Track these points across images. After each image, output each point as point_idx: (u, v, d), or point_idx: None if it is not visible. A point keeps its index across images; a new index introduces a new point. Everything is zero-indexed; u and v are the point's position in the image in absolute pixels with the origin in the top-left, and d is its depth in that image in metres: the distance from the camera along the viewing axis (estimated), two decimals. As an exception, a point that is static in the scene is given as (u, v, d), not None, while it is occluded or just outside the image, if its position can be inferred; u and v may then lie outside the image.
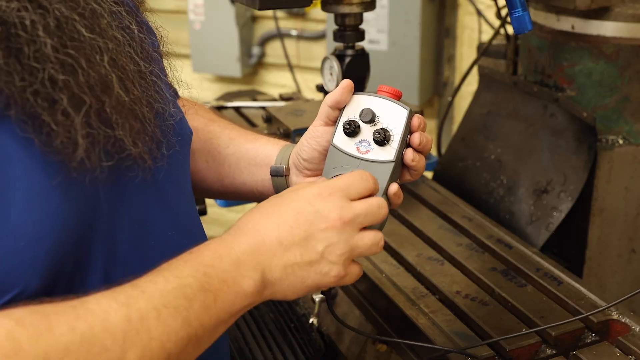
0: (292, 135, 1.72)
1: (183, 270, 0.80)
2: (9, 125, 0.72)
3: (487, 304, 1.26)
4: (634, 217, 1.63)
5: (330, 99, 1.00)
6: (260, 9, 1.40)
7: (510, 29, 1.81)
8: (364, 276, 1.38)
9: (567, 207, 1.59)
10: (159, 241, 0.87)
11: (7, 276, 0.71)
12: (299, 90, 3.26)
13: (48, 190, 0.74)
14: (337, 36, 1.56)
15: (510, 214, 1.69)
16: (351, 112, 1.00)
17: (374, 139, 0.97)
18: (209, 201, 1.75)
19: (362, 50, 1.60)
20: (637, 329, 1.17)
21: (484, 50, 1.90)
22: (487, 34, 2.62)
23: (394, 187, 0.97)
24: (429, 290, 1.33)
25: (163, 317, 0.75)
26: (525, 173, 1.70)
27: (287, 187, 1.06)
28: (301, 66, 3.39)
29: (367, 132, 0.98)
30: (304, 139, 1.06)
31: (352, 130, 0.98)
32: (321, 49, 3.29)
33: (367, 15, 1.67)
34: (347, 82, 0.99)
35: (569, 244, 1.66)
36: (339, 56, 1.59)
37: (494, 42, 1.91)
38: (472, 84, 2.29)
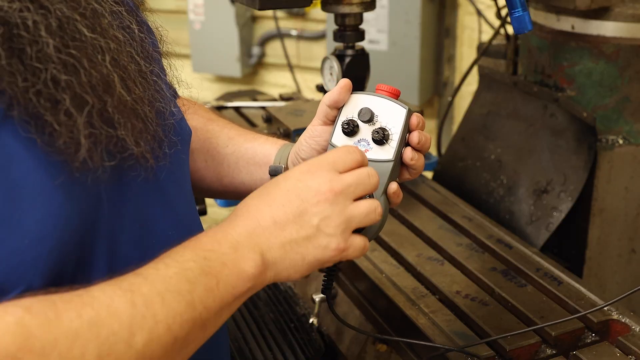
0: (292, 135, 1.72)
1: (183, 256, 0.81)
2: (12, 125, 0.72)
3: (487, 304, 1.26)
4: (634, 217, 1.63)
5: (328, 98, 1.00)
6: (260, 9, 1.40)
7: (510, 29, 1.81)
8: (364, 276, 1.38)
9: (567, 207, 1.59)
10: (160, 240, 0.87)
11: (10, 274, 0.71)
12: (299, 90, 3.26)
13: (50, 189, 0.74)
14: (337, 36, 1.56)
15: (510, 214, 1.69)
16: (350, 112, 1.00)
17: (372, 138, 0.97)
18: (209, 201, 1.75)
19: (362, 50, 1.60)
20: (637, 329, 1.17)
21: (484, 50, 1.90)
22: (487, 34, 2.62)
23: (394, 186, 0.97)
24: (429, 290, 1.33)
25: (167, 301, 0.76)
26: (525, 173, 1.70)
27: None
28: (301, 66, 3.39)
29: (365, 131, 0.98)
30: (302, 139, 1.06)
31: (350, 129, 0.98)
32: (321, 49, 3.29)
33: (367, 15, 1.67)
34: (345, 82, 0.99)
35: (569, 244, 1.66)
36: (339, 56, 1.59)
37: (494, 42, 1.91)
38: (472, 84, 2.29)
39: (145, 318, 0.74)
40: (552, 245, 1.63)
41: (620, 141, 1.61)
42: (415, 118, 0.98)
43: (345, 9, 1.50)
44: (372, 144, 0.98)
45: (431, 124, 3.11)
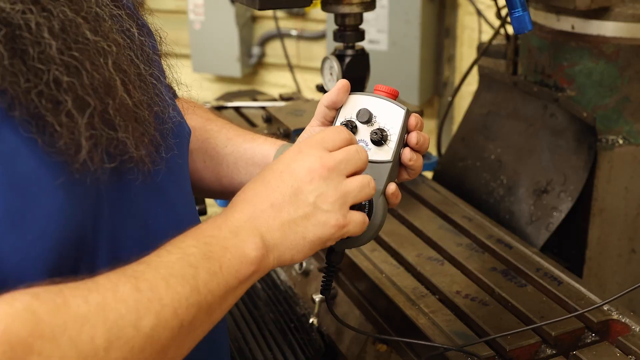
0: (292, 135, 1.72)
1: (184, 242, 0.82)
2: (14, 124, 0.73)
3: (487, 304, 1.26)
4: (634, 217, 1.63)
5: (326, 99, 1.00)
6: (260, 9, 1.40)
7: (510, 29, 1.81)
8: (364, 276, 1.38)
9: (567, 207, 1.59)
10: (161, 241, 0.88)
11: (13, 270, 0.71)
12: (299, 90, 3.26)
13: (52, 188, 0.74)
14: (337, 36, 1.56)
15: (510, 214, 1.69)
16: (348, 113, 1.00)
17: (371, 139, 0.97)
18: (209, 201, 1.75)
19: (362, 50, 1.60)
20: (637, 329, 1.17)
21: (484, 50, 1.90)
22: (487, 34, 2.62)
23: (392, 187, 0.97)
24: (429, 290, 1.33)
25: (172, 285, 0.77)
26: (525, 173, 1.70)
27: None
28: (301, 66, 3.39)
29: (364, 132, 0.98)
30: (300, 139, 1.06)
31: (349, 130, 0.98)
32: (321, 49, 3.29)
33: (367, 15, 1.67)
34: (344, 82, 0.99)
35: (569, 244, 1.66)
36: (339, 56, 1.59)
37: (494, 42, 1.91)
38: (472, 84, 2.29)
39: (152, 302, 0.74)
40: (552, 245, 1.63)
41: (620, 141, 1.61)
42: (414, 119, 0.98)
43: (345, 9, 1.50)
44: (371, 145, 0.98)
45: (431, 124, 3.11)
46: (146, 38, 0.93)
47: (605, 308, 1.21)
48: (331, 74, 1.60)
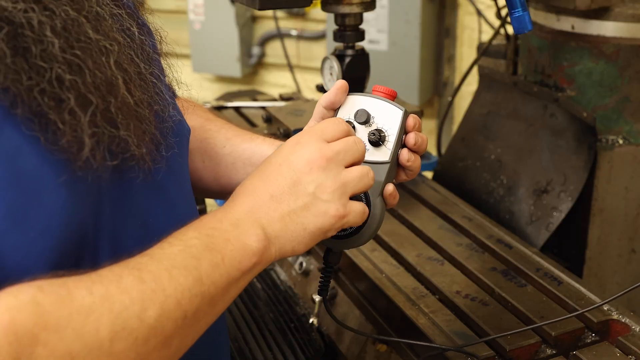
0: (292, 135, 1.72)
1: (186, 234, 0.83)
2: (16, 122, 0.73)
3: (487, 304, 1.26)
4: (634, 217, 1.63)
5: (324, 99, 1.00)
6: (260, 9, 1.40)
7: (510, 29, 1.81)
8: (364, 276, 1.38)
9: (567, 207, 1.59)
10: (162, 239, 0.88)
11: (16, 267, 0.71)
12: (299, 90, 3.26)
13: (54, 186, 0.75)
14: (337, 36, 1.56)
15: (510, 214, 1.69)
16: (346, 113, 1.00)
17: (369, 140, 0.97)
18: (209, 201, 1.75)
19: (362, 50, 1.60)
20: (637, 329, 1.17)
21: (484, 50, 1.90)
22: (487, 34, 2.62)
23: (390, 188, 0.97)
24: (429, 290, 1.33)
25: (175, 276, 0.77)
26: (525, 173, 1.70)
27: None
28: (301, 66, 3.39)
29: (362, 132, 0.98)
30: None
31: None
32: (321, 49, 3.29)
33: (367, 15, 1.67)
34: (342, 83, 1.00)
35: (569, 244, 1.66)
36: (339, 56, 1.59)
37: (494, 42, 1.91)
38: (472, 84, 2.29)
39: (155, 293, 0.75)
40: (552, 245, 1.63)
41: (620, 141, 1.61)
42: (412, 119, 0.99)
43: (345, 9, 1.50)
44: (369, 146, 0.98)
45: (431, 124, 3.11)
46: (146, 37, 0.94)
47: (605, 308, 1.21)
48: (331, 74, 1.60)
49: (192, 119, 1.17)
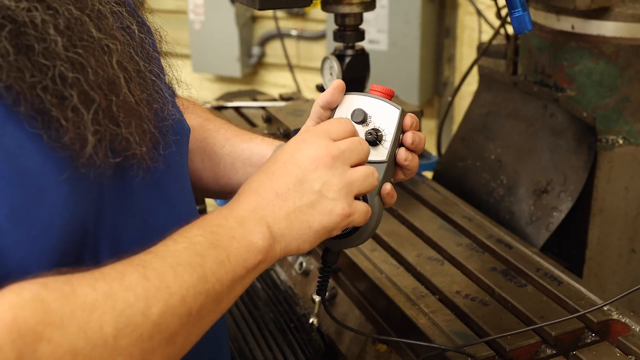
0: (291, 135, 1.72)
1: (191, 232, 0.82)
2: (19, 119, 0.73)
3: (487, 304, 1.26)
4: (634, 217, 1.63)
5: (321, 99, 1.01)
6: (260, 9, 1.40)
7: (510, 29, 1.81)
8: (364, 276, 1.38)
9: (567, 207, 1.59)
10: (162, 238, 0.88)
11: (18, 265, 0.72)
12: (299, 90, 3.26)
13: (56, 183, 0.75)
14: (337, 36, 1.56)
15: (510, 214, 1.69)
16: (343, 113, 1.00)
17: (366, 139, 0.97)
18: (209, 201, 1.75)
19: (362, 50, 1.60)
20: (637, 329, 1.17)
21: (484, 50, 1.90)
22: (487, 34, 2.62)
23: (387, 187, 0.98)
24: (429, 290, 1.33)
25: (179, 273, 0.77)
26: (525, 173, 1.70)
27: None
28: (301, 66, 3.39)
29: (359, 132, 0.98)
30: None
31: None
32: (321, 49, 3.29)
33: (367, 15, 1.67)
34: (338, 82, 1.00)
35: (569, 244, 1.66)
36: (339, 56, 1.59)
37: (494, 42, 1.91)
38: (472, 84, 2.29)
39: (159, 290, 0.75)
40: (552, 245, 1.63)
41: (620, 141, 1.61)
42: (409, 118, 0.98)
43: (345, 9, 1.50)
44: None
45: (431, 124, 3.11)
46: (146, 35, 0.94)
47: (605, 308, 1.21)
48: (331, 74, 1.60)
49: (192, 119, 1.17)
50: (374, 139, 0.97)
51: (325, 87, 1.65)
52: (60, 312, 0.68)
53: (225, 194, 1.21)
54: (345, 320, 1.35)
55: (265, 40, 3.45)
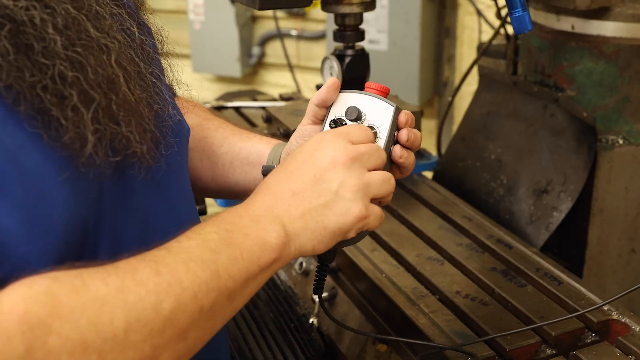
0: (291, 135, 1.72)
1: (205, 228, 0.83)
2: (19, 119, 0.73)
3: (487, 304, 1.26)
4: (634, 217, 1.63)
5: (316, 97, 1.01)
6: (260, 9, 1.40)
7: (510, 29, 1.81)
8: (364, 276, 1.38)
9: (567, 207, 1.59)
10: (161, 238, 0.88)
11: (21, 261, 0.72)
12: (299, 90, 3.26)
13: (56, 184, 0.75)
14: (337, 36, 1.56)
15: (510, 214, 1.69)
16: (338, 111, 1.00)
17: None
18: (209, 201, 1.75)
19: (362, 50, 1.60)
20: (637, 329, 1.17)
21: (484, 50, 1.90)
22: (487, 34, 2.62)
23: None
24: (429, 290, 1.33)
25: (192, 269, 0.77)
26: (525, 173, 1.70)
27: None
28: (301, 66, 3.39)
29: None
30: (293, 138, 1.07)
31: None
32: (321, 49, 3.29)
33: (367, 15, 1.67)
34: (333, 80, 1.00)
35: (569, 244, 1.66)
36: (339, 56, 1.59)
37: (494, 42, 1.91)
38: (472, 84, 2.29)
39: (172, 285, 0.75)
40: (552, 245, 1.63)
41: (620, 141, 1.61)
42: (404, 115, 0.98)
43: (345, 9, 1.50)
44: None
45: (431, 124, 3.11)
46: (146, 37, 0.94)
47: (605, 308, 1.21)
48: (331, 74, 1.60)
49: (191, 118, 1.17)
50: None
51: (325, 87, 1.65)
52: (71, 305, 0.68)
53: (224, 193, 1.21)
54: (345, 320, 1.35)
55: (265, 40, 3.45)
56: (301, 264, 1.54)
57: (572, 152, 1.61)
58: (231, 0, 3.24)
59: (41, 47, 0.74)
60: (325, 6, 1.52)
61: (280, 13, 3.32)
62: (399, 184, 1.01)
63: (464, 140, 1.92)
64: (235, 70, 3.42)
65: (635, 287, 1.09)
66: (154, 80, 0.92)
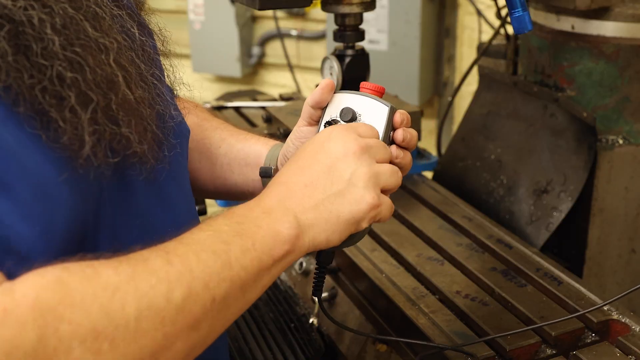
0: (291, 135, 1.72)
1: (217, 221, 0.83)
2: (19, 120, 0.73)
3: (487, 304, 1.26)
4: (634, 217, 1.63)
5: (311, 98, 1.01)
6: (260, 9, 1.40)
7: (510, 29, 1.81)
8: (364, 276, 1.38)
9: (567, 207, 1.59)
10: (161, 239, 0.88)
11: (23, 260, 0.72)
12: (299, 90, 3.26)
13: (56, 184, 0.75)
14: (337, 36, 1.56)
15: (510, 214, 1.69)
16: (333, 112, 1.00)
17: None
18: (209, 201, 1.75)
19: (362, 50, 1.60)
20: (637, 329, 1.17)
21: (484, 50, 1.90)
22: (487, 34, 2.62)
23: None
24: (429, 290, 1.33)
25: (202, 259, 0.77)
26: (525, 173, 1.70)
27: None
28: (301, 66, 3.39)
29: None
30: (289, 140, 1.07)
31: None
32: (321, 49, 3.29)
33: (367, 15, 1.67)
34: (327, 81, 1.00)
35: (569, 244, 1.66)
36: (339, 56, 1.59)
37: (494, 42, 1.91)
38: (472, 84, 2.29)
39: (183, 274, 0.75)
40: (552, 245, 1.63)
41: (620, 141, 1.61)
42: (399, 115, 0.99)
43: (345, 9, 1.50)
44: None
45: (431, 124, 3.11)
46: (147, 38, 0.94)
47: (605, 308, 1.21)
48: (331, 74, 1.60)
49: (190, 118, 1.17)
50: None
51: (325, 88, 1.65)
52: (82, 293, 0.68)
53: (222, 194, 1.21)
54: (345, 321, 1.35)
55: (265, 40, 3.45)
56: (301, 264, 1.54)
57: (572, 152, 1.61)
58: (231, 0, 3.24)
59: (40, 47, 0.73)
60: (325, 6, 1.52)
61: (280, 13, 3.32)
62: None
63: (464, 140, 1.92)
64: (235, 70, 3.42)
65: (635, 287, 1.09)
66: (155, 81, 0.92)
